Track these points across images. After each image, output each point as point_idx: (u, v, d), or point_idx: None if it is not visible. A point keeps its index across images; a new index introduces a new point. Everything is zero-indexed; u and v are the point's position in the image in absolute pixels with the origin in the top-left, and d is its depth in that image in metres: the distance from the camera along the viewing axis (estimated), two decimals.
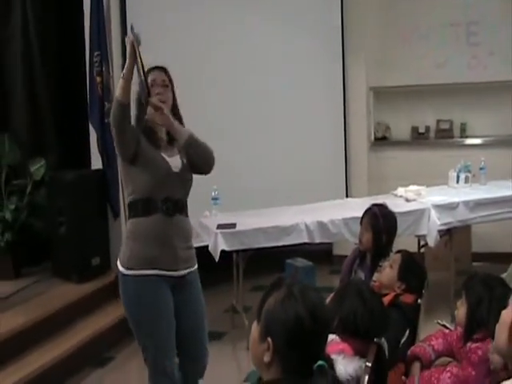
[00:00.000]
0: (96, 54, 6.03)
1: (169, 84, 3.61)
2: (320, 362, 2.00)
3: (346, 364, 2.55)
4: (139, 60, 3.26)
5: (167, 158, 3.51)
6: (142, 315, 3.49)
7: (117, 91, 3.33)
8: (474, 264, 7.19)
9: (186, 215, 3.61)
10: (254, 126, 7.13)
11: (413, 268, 3.83)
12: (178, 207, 3.52)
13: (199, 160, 3.52)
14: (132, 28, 3.37)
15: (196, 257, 3.69)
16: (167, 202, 3.46)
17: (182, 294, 3.57)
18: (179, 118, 3.62)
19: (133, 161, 3.44)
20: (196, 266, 3.65)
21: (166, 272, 3.47)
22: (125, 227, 6.09)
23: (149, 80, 3.48)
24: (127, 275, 3.45)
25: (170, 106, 3.57)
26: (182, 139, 3.43)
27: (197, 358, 3.74)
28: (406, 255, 3.90)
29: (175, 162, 3.53)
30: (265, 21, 7.20)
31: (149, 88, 3.37)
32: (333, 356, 2.33)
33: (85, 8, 6.13)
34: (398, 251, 4.00)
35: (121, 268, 3.48)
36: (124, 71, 3.30)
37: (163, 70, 3.63)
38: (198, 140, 3.51)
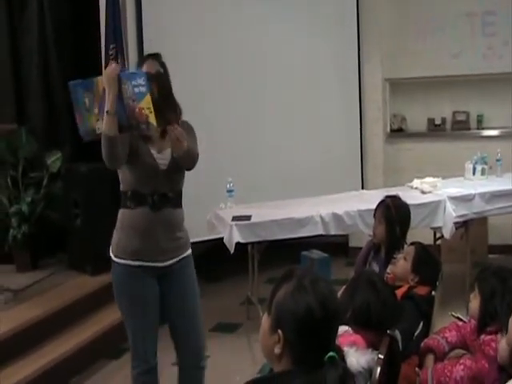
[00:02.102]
0: (111, 46, 6.03)
1: (162, 73, 3.58)
2: (331, 354, 1.99)
3: (358, 356, 2.54)
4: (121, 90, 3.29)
5: (156, 155, 3.50)
6: (122, 301, 3.60)
7: (104, 127, 3.30)
8: (490, 256, 7.17)
9: (177, 206, 3.61)
10: (269, 119, 7.13)
11: (427, 260, 3.82)
12: (166, 200, 3.52)
13: (185, 164, 3.54)
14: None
15: (188, 244, 3.71)
16: (154, 196, 3.47)
17: (167, 282, 3.61)
18: (174, 106, 3.61)
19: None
20: (186, 254, 3.66)
21: (148, 263, 3.52)
22: None
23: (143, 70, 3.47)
24: (114, 261, 3.56)
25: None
26: (178, 154, 3.42)
27: (189, 346, 3.74)
28: (420, 247, 3.89)
29: (164, 157, 3.51)
30: (280, 14, 7.20)
31: (130, 117, 3.32)
32: (345, 348, 2.33)
33: (100, 1, 6.14)
34: (412, 243, 3.99)
35: (111, 253, 3.58)
36: (108, 107, 3.27)
37: (156, 57, 3.61)
38: (193, 150, 3.50)
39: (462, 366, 3.01)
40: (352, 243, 7.52)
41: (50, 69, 6.67)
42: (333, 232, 5.58)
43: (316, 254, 6.15)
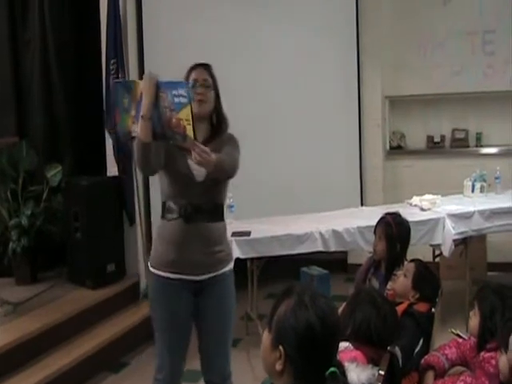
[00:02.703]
0: (112, 61, 6.06)
1: (211, 84, 3.57)
2: (332, 369, 2.01)
3: (359, 372, 2.55)
4: (158, 98, 3.29)
5: (193, 165, 3.43)
6: (155, 311, 3.63)
7: (138, 132, 3.31)
8: (489, 274, 7.17)
9: (215, 220, 3.56)
10: (269, 135, 7.14)
11: (427, 277, 3.84)
12: (201, 213, 3.48)
13: (219, 177, 3.51)
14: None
15: (229, 258, 3.69)
16: (187, 208, 3.46)
17: (204, 298, 3.59)
18: (222, 119, 3.63)
19: (156, 172, 3.53)
20: (225, 269, 3.61)
21: (182, 276, 3.50)
22: (140, 234, 6.18)
23: (190, 79, 3.50)
24: (151, 272, 3.59)
25: (211, 107, 3.57)
26: (209, 169, 3.38)
27: (214, 366, 3.73)
28: (420, 264, 3.91)
29: (202, 169, 3.43)
30: (280, 30, 7.22)
31: (165, 126, 3.31)
32: (346, 364, 2.33)
33: (101, 16, 6.18)
34: (412, 260, 4.01)
35: (149, 263, 3.62)
36: (144, 111, 3.27)
37: (205, 67, 3.59)
38: (222, 163, 3.41)
39: (462, 383, 3.03)
40: (351, 260, 7.52)
41: (51, 83, 6.68)
42: (332, 248, 5.57)
43: (315, 270, 6.17)
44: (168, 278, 3.51)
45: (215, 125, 3.65)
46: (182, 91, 3.19)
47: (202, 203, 3.49)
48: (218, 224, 3.59)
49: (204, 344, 3.69)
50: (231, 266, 3.69)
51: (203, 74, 3.54)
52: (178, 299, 3.54)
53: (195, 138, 3.23)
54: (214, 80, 3.59)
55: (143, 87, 3.31)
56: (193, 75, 3.53)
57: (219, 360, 3.72)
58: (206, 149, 3.27)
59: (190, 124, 3.20)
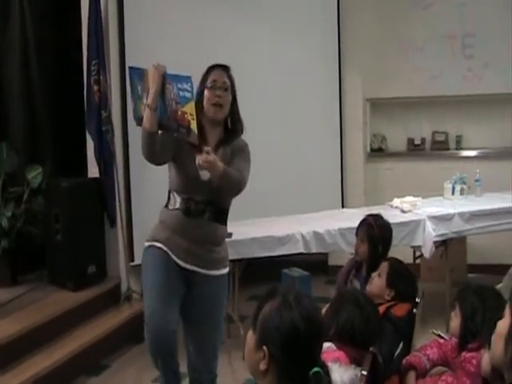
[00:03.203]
0: (94, 62, 6.04)
1: (229, 86, 3.59)
2: (315, 369, 2.01)
3: (342, 372, 2.56)
4: (165, 89, 3.35)
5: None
6: (144, 273, 3.66)
7: (144, 120, 3.37)
8: (470, 275, 7.21)
9: (216, 221, 3.60)
10: (249, 136, 7.10)
11: (400, 273, 3.82)
12: (201, 211, 3.54)
13: (226, 190, 3.55)
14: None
15: (224, 263, 3.70)
16: (189, 203, 3.53)
17: (193, 293, 3.63)
18: (238, 123, 3.71)
19: (172, 160, 3.58)
20: (217, 272, 3.63)
21: (174, 256, 3.56)
22: (121, 235, 6.16)
23: (208, 80, 3.52)
24: (145, 246, 3.67)
25: (227, 111, 3.61)
26: (216, 177, 3.42)
27: (196, 364, 3.77)
28: (394, 262, 3.91)
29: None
30: (261, 32, 7.22)
31: (170, 118, 3.38)
32: (329, 364, 2.34)
33: (83, 17, 6.15)
34: (386, 259, 4.02)
35: (145, 243, 3.70)
36: (149, 101, 3.34)
37: (225, 69, 3.61)
38: (229, 175, 3.47)
39: (443, 383, 3.04)
40: (332, 261, 7.53)
41: (32, 84, 6.64)
42: (313, 250, 5.59)
43: (296, 271, 6.17)
44: (160, 249, 3.56)
45: (230, 128, 3.70)
46: (186, 86, 3.26)
47: (205, 201, 3.54)
48: (218, 226, 3.62)
49: (191, 342, 3.74)
50: (226, 270, 3.70)
51: (222, 77, 3.58)
52: (168, 266, 3.56)
53: (199, 134, 3.31)
54: (232, 83, 3.63)
55: (150, 77, 3.37)
56: (212, 76, 3.56)
57: (202, 360, 3.75)
58: (213, 156, 3.32)
59: (194, 119, 3.27)
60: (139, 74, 3.56)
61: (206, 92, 3.53)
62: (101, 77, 6.04)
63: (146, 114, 3.35)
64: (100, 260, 6.22)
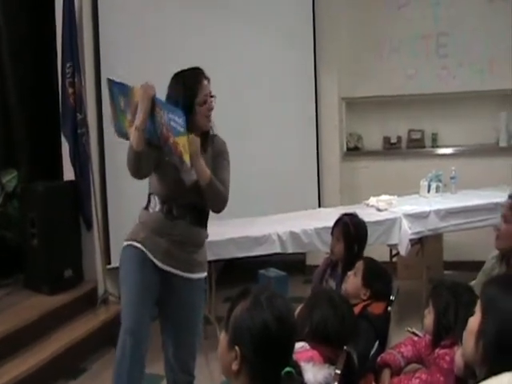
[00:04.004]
0: (68, 64, 6.01)
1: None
2: (288, 369, 2.02)
3: (315, 371, 2.56)
4: (154, 112, 3.34)
5: (185, 168, 3.44)
6: (121, 273, 3.63)
7: (131, 140, 3.35)
8: (446, 272, 7.25)
9: (197, 224, 3.60)
10: (225, 137, 7.10)
11: (376, 272, 3.83)
12: (184, 214, 3.53)
13: (211, 202, 3.55)
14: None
15: (203, 267, 3.70)
16: (171, 206, 3.52)
17: (170, 295, 3.61)
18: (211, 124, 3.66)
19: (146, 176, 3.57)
20: (196, 276, 3.63)
21: (151, 256, 3.53)
22: (97, 239, 6.13)
23: (199, 95, 3.50)
24: (124, 246, 3.63)
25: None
26: (203, 182, 3.43)
27: (175, 367, 3.75)
28: (369, 261, 3.92)
29: (192, 174, 3.48)
30: (237, 32, 7.22)
31: (162, 142, 3.38)
32: (302, 363, 2.34)
33: (57, 19, 6.12)
34: (361, 258, 4.03)
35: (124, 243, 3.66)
36: (138, 123, 3.32)
37: (206, 77, 3.62)
38: (216, 185, 3.49)
39: (417, 380, 3.06)
40: (309, 261, 7.54)
41: (6, 88, 6.59)
42: (290, 250, 5.60)
43: (273, 272, 6.18)
44: (137, 248, 3.54)
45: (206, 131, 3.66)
46: (178, 120, 3.23)
47: (187, 205, 3.53)
48: (199, 229, 3.63)
49: (168, 347, 3.72)
50: (204, 275, 3.70)
51: (209, 87, 3.59)
52: (144, 265, 3.54)
53: (191, 164, 3.30)
54: None
55: (139, 96, 3.35)
56: (202, 91, 3.53)
57: (179, 362, 3.74)
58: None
59: (186, 152, 3.24)
60: (122, 88, 3.52)
61: (198, 108, 3.50)
62: (76, 79, 6.00)
63: (134, 135, 3.33)
64: (76, 263, 6.19)
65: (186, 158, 3.26)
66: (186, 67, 6.54)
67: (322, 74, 7.75)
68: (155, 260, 3.54)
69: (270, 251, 5.53)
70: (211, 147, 3.65)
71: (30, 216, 5.92)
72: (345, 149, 8.15)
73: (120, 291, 3.69)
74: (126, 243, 3.62)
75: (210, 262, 5.39)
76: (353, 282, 3.83)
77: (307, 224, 5.71)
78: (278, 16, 7.43)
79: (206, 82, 3.56)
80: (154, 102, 3.34)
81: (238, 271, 6.03)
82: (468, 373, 2.18)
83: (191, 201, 3.53)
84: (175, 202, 3.52)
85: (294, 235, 5.57)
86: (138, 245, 3.55)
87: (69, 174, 6.19)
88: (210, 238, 5.28)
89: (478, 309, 2.07)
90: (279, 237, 5.52)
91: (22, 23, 6.66)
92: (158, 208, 3.55)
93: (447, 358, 2.94)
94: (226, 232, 5.54)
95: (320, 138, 7.76)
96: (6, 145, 6.61)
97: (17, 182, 6.18)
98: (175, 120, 3.24)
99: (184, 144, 3.24)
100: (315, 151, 7.69)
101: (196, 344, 3.78)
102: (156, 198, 3.56)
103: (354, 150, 8.17)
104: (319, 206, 7.36)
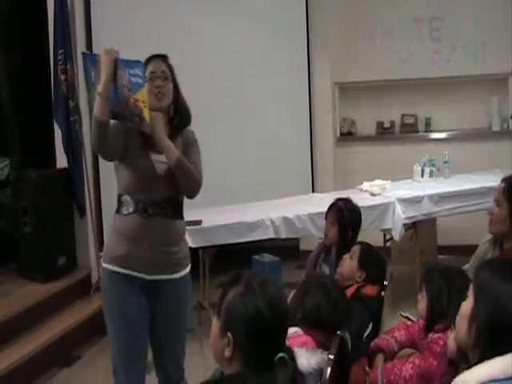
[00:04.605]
0: (60, 51, 5.98)
1: (169, 75, 3.39)
2: (281, 354, 2.02)
3: (308, 357, 2.56)
4: (117, 76, 3.16)
5: (155, 157, 3.31)
6: (108, 311, 3.42)
7: (95, 109, 3.16)
8: (440, 257, 7.26)
9: (174, 217, 3.39)
10: (218, 123, 7.12)
11: (372, 257, 3.86)
12: (160, 209, 3.31)
13: (184, 184, 3.35)
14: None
15: (186, 261, 3.52)
16: (146, 203, 3.29)
17: (159, 302, 3.43)
18: (183, 111, 3.49)
19: (120, 158, 3.33)
20: (181, 273, 3.46)
21: (136, 273, 3.32)
22: (91, 226, 6.12)
23: (147, 72, 3.28)
24: (103, 268, 3.42)
25: (170, 100, 3.39)
26: (171, 161, 3.27)
27: (167, 373, 3.61)
28: (366, 246, 3.94)
29: (165, 161, 3.32)
30: (228, 17, 7.21)
31: (123, 107, 3.20)
32: (295, 349, 2.34)
33: (49, 5, 6.08)
34: (358, 243, 4.04)
35: (101, 259, 3.46)
36: (100, 88, 3.13)
37: (162, 58, 3.42)
38: (186, 164, 3.33)
39: (411, 365, 3.06)
40: (303, 246, 7.55)
41: None
42: (284, 235, 5.61)
43: (267, 257, 6.17)
44: (119, 274, 3.33)
45: (175, 118, 3.47)
46: (137, 71, 3.10)
47: (162, 199, 3.33)
48: (178, 222, 3.43)
49: (158, 348, 3.56)
50: (188, 269, 3.54)
51: (161, 66, 3.37)
52: (129, 297, 3.35)
53: (152, 123, 3.17)
54: (171, 71, 3.43)
55: (102, 63, 3.17)
56: (150, 67, 3.33)
57: (173, 368, 3.61)
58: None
59: (146, 106, 3.12)
60: (93, 59, 3.37)
61: (146, 85, 3.27)
62: (68, 66, 5.98)
63: (97, 103, 3.13)
64: (70, 251, 6.19)
65: (146, 113, 3.12)
66: (177, 54, 6.53)
67: (315, 59, 7.74)
68: (142, 274, 3.34)
69: (263, 237, 5.53)
70: (180, 137, 3.45)
71: (23, 204, 5.91)
72: (338, 134, 8.14)
73: (111, 331, 3.44)
74: (105, 265, 3.39)
75: (203, 248, 5.44)
76: (349, 264, 3.84)
77: (301, 209, 5.71)
78: (270, 1, 7.39)
79: (157, 61, 3.37)
80: (116, 66, 3.15)
81: (231, 257, 6.01)
82: (460, 356, 2.17)
83: (166, 193, 3.34)
84: (149, 199, 3.29)
85: (287, 220, 5.57)
86: (120, 269, 3.32)
87: (62, 161, 6.17)
88: (203, 225, 5.34)
89: (470, 293, 2.07)
90: (272, 222, 5.52)
91: (12, 9, 6.62)
92: (131, 209, 3.30)
93: (441, 342, 2.94)
94: (219, 218, 5.54)
95: (313, 124, 7.75)
96: None
97: (9, 170, 6.18)
98: (135, 73, 3.10)
99: (144, 97, 3.10)
100: (308, 136, 7.69)
101: (185, 337, 3.64)
102: (128, 198, 3.32)
103: (347, 135, 8.16)
104: (313, 192, 7.36)
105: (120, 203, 3.36)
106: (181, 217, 3.46)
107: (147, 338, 3.49)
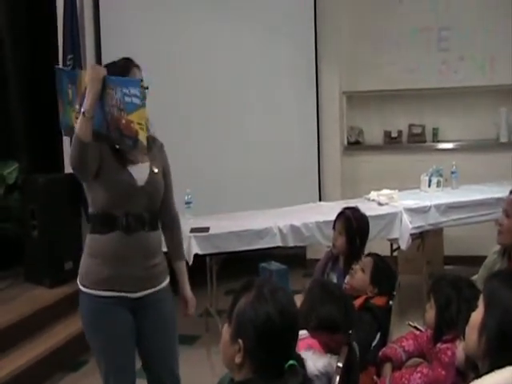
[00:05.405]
0: (69, 57, 6.01)
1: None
2: (291, 362, 2.02)
3: (315, 359, 2.58)
4: (104, 94, 3.01)
5: (133, 170, 3.20)
6: (94, 337, 3.27)
7: (77, 129, 2.95)
8: (446, 267, 7.24)
9: (154, 229, 3.29)
10: (227, 130, 7.14)
11: (384, 271, 3.87)
12: (141, 223, 3.20)
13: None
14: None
15: (166, 272, 3.42)
16: (128, 218, 3.16)
17: (145, 317, 3.31)
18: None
19: (94, 176, 3.13)
20: (163, 284, 3.36)
21: (120, 294, 3.19)
22: None
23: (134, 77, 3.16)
24: (82, 292, 3.26)
25: None
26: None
27: (160, 372, 3.47)
28: (378, 259, 3.93)
29: (141, 171, 3.22)
30: (239, 26, 7.24)
31: (111, 127, 3.05)
32: (302, 352, 2.36)
33: (58, 10, 6.11)
34: (368, 254, 4.04)
35: (78, 283, 3.30)
36: (86, 107, 2.94)
37: (139, 67, 3.25)
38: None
39: (419, 374, 3.06)
40: (309, 255, 7.55)
41: (7, 79, 6.59)
42: (291, 244, 5.61)
43: (274, 265, 6.14)
44: (103, 297, 3.18)
45: None
46: (134, 91, 2.91)
47: (143, 211, 3.22)
48: (156, 233, 3.33)
49: (153, 362, 3.42)
50: (168, 279, 3.42)
51: (140, 75, 3.22)
52: (117, 320, 3.22)
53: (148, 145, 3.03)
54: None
55: (88, 80, 2.99)
56: (137, 74, 3.20)
57: (170, 379, 3.49)
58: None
59: (142, 128, 2.93)
60: (71, 76, 3.25)
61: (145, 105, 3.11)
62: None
63: (81, 123, 2.94)
64: (77, 256, 6.09)
65: (142, 136, 2.94)
66: (186, 61, 6.55)
67: (323, 69, 7.75)
68: (129, 294, 3.22)
69: (270, 244, 5.54)
70: (152, 143, 3.31)
71: (31, 208, 5.93)
72: (346, 143, 8.14)
73: (95, 351, 3.33)
74: (84, 289, 3.25)
75: (211, 254, 5.44)
76: (361, 278, 3.84)
77: (308, 218, 5.72)
78: (279, 9, 7.42)
79: (135, 70, 3.22)
80: (104, 84, 2.98)
81: (238, 264, 6.01)
82: (469, 366, 2.18)
83: (144, 204, 3.22)
84: (130, 213, 3.16)
85: (294, 229, 5.58)
86: (103, 293, 3.18)
87: (69, 166, 6.16)
88: (211, 231, 5.35)
89: (480, 303, 2.08)
90: (280, 230, 5.53)
91: (22, 14, 6.64)
92: (112, 226, 3.16)
93: (449, 352, 2.95)
94: (227, 225, 5.56)
95: (321, 132, 7.76)
96: (7, 137, 6.61)
97: (17, 174, 6.18)
98: (130, 93, 2.92)
99: (140, 119, 2.92)
100: (316, 145, 7.70)
101: (177, 344, 3.52)
102: (107, 216, 3.17)
103: (354, 144, 8.17)
104: (320, 200, 7.36)
105: (96, 222, 3.23)
106: (158, 227, 3.35)
107: (135, 354, 3.38)
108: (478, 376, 1.95)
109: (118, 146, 3.13)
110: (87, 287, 3.23)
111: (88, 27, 6.31)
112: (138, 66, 3.24)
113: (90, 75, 3.00)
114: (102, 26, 6.47)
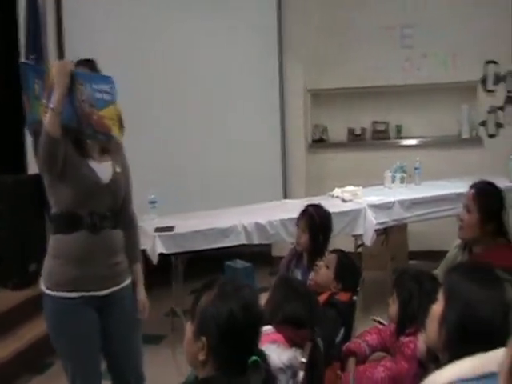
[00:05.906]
0: (31, 57, 5.95)
1: None
2: (254, 358, 2.03)
3: (279, 352, 2.60)
4: (74, 89, 2.99)
5: (96, 168, 3.18)
6: (59, 340, 3.24)
7: (46, 124, 2.94)
8: (410, 262, 7.31)
9: (116, 227, 3.28)
10: (190, 130, 7.12)
11: (349, 267, 3.91)
12: (106, 221, 3.20)
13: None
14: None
15: (128, 269, 3.39)
16: (93, 217, 3.14)
17: (110, 314, 3.29)
18: None
19: (59, 173, 3.10)
20: (126, 282, 3.35)
21: (87, 293, 3.17)
22: None
23: None
24: (46, 295, 3.22)
25: None
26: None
27: (125, 373, 3.47)
28: (342, 255, 3.97)
29: (105, 170, 3.21)
30: (200, 19, 7.20)
31: (83, 122, 3.04)
32: (266, 345, 2.37)
33: (20, 10, 6.05)
34: (333, 250, 4.07)
35: (41, 285, 3.26)
36: (54, 103, 2.93)
37: (87, 63, 3.25)
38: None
39: (382, 368, 3.09)
40: (275, 253, 7.56)
41: None
42: (256, 241, 5.62)
43: (240, 263, 6.16)
44: (67, 299, 3.15)
45: None
46: (105, 87, 2.94)
47: (107, 209, 3.21)
48: (118, 232, 3.32)
49: (117, 362, 3.42)
50: (130, 278, 3.40)
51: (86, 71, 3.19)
52: (84, 321, 3.20)
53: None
54: None
55: (55, 76, 2.98)
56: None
57: (135, 378, 3.49)
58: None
59: (115, 124, 2.97)
60: (37, 71, 3.25)
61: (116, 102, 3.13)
62: None
63: (50, 118, 2.92)
64: (41, 258, 6.09)
65: (116, 131, 2.99)
66: (147, 57, 6.51)
67: (288, 66, 7.78)
68: (95, 293, 3.20)
69: (235, 242, 5.54)
70: (113, 146, 3.31)
71: None
72: (310, 140, 8.17)
73: (61, 354, 3.31)
74: (48, 292, 3.21)
75: (176, 254, 5.42)
76: (325, 274, 3.88)
77: (273, 215, 5.73)
78: (242, 6, 7.44)
79: (80, 68, 3.15)
80: (73, 80, 2.97)
81: (204, 263, 6.00)
82: (430, 358, 2.20)
83: (109, 202, 3.23)
84: (95, 212, 3.15)
85: (259, 226, 5.59)
86: (69, 294, 3.15)
87: (33, 166, 6.11)
88: (176, 231, 5.33)
89: (440, 296, 2.10)
90: (245, 228, 5.53)
91: None
92: (77, 226, 3.13)
93: (411, 345, 2.97)
94: (192, 224, 5.54)
95: (285, 130, 7.79)
96: None
97: None
98: (101, 89, 2.94)
99: (112, 115, 2.95)
100: (280, 143, 7.71)
101: (141, 343, 3.54)
102: (71, 215, 3.14)
103: (319, 142, 8.20)
104: (284, 198, 7.39)
105: (60, 223, 3.19)
106: (119, 226, 3.33)
107: (100, 366, 3.36)
108: (439, 367, 1.97)
109: (89, 141, 3.14)
110: (50, 289, 3.20)
111: (50, 26, 6.25)
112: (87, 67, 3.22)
113: (57, 69, 3.00)
114: (65, 24, 6.41)
